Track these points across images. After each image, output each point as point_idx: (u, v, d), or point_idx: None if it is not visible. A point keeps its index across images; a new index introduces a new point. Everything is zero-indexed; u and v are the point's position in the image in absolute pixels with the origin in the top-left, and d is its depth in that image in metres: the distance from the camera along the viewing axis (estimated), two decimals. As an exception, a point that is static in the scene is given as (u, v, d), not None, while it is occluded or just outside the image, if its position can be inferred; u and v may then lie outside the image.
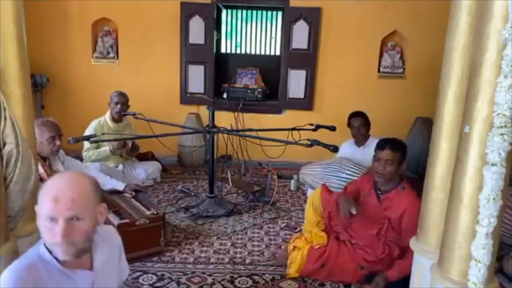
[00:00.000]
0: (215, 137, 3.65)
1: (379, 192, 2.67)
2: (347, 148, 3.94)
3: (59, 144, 2.92)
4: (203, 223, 3.46)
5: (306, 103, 5.22)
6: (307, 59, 5.11)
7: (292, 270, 2.66)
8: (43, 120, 2.93)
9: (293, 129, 3.63)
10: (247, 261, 2.90)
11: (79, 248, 1.24)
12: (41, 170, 2.69)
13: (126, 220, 2.80)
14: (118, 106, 4.08)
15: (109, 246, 1.44)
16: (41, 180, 2.71)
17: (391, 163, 2.54)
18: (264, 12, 5.87)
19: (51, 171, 2.93)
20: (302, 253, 2.64)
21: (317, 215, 3.00)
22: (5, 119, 1.57)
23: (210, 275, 2.68)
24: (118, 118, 4.13)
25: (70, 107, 5.20)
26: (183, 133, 4.66)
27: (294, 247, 2.71)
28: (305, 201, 4.07)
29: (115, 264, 1.51)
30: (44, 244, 1.26)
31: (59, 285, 1.26)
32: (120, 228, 2.70)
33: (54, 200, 1.19)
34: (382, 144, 2.62)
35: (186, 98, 5.24)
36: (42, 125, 2.82)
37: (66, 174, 1.45)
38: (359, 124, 3.71)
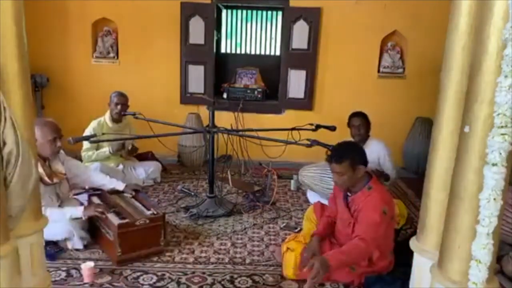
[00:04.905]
0: (215, 137, 3.65)
1: (348, 195, 2.65)
2: (347, 148, 3.93)
3: (60, 145, 2.93)
4: (203, 223, 3.46)
5: (306, 103, 5.22)
6: (307, 59, 5.11)
7: (289, 272, 2.64)
8: (44, 121, 2.94)
9: (293, 129, 3.62)
10: (247, 261, 2.90)
11: None
12: (40, 170, 2.69)
13: (126, 220, 2.80)
14: (118, 107, 4.07)
15: None
16: (41, 180, 2.72)
17: (342, 174, 2.50)
18: (264, 12, 5.88)
19: (50, 171, 2.93)
20: (296, 254, 2.62)
21: (314, 225, 2.98)
22: (5, 119, 1.57)
23: (210, 275, 2.68)
24: (117, 118, 4.13)
25: (70, 107, 5.20)
26: (183, 133, 4.66)
27: (288, 248, 2.69)
28: (305, 201, 4.07)
29: None
30: None
31: None
32: (120, 228, 2.71)
33: None
34: (329, 158, 2.59)
35: (186, 98, 5.24)
36: (44, 126, 2.83)
37: None
38: (359, 124, 3.70)
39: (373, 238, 2.41)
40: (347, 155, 2.53)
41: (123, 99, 4.13)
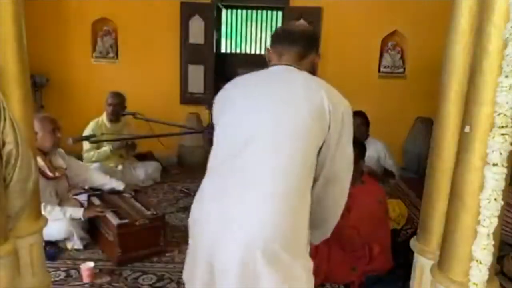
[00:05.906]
0: (215, 137, 3.64)
1: None
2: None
3: (59, 136, 2.99)
4: (203, 223, 3.45)
5: (306, 103, 5.20)
6: (307, 59, 5.10)
7: None
8: (41, 115, 3.04)
9: (293, 129, 3.61)
10: (247, 261, 2.89)
11: None
12: (41, 163, 2.71)
13: (126, 220, 2.79)
14: (111, 107, 4.08)
15: None
16: (42, 174, 2.72)
17: None
18: (264, 12, 5.88)
19: (51, 166, 2.94)
20: None
21: None
22: (5, 119, 1.57)
23: (210, 275, 2.67)
24: (115, 119, 4.13)
25: (70, 107, 5.19)
26: (183, 133, 4.65)
27: None
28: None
29: None
30: None
31: None
32: (120, 228, 2.70)
33: None
34: None
35: (186, 98, 5.24)
36: (42, 119, 2.92)
37: None
38: (359, 123, 3.69)
39: (368, 226, 2.40)
40: (356, 146, 2.55)
41: (116, 100, 4.12)
